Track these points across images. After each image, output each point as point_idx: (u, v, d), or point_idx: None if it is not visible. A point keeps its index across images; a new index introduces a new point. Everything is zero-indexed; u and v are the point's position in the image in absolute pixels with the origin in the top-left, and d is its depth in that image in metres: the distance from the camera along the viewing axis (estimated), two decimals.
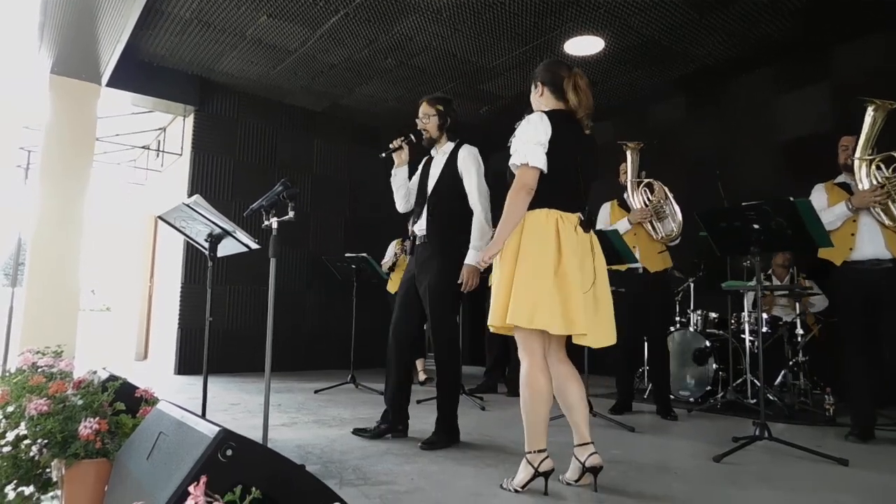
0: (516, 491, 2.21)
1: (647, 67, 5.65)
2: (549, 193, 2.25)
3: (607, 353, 4.02)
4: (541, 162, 2.22)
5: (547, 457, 2.22)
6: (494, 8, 4.66)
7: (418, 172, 3.30)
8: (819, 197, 3.49)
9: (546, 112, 2.32)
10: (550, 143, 2.25)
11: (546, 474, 2.21)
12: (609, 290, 2.33)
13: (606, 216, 4.20)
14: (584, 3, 4.55)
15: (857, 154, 3.28)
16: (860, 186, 3.28)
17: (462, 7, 4.66)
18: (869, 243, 3.27)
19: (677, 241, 4.00)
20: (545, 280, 2.14)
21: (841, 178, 3.53)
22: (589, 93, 2.33)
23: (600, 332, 2.24)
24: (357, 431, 3.23)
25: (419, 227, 3.13)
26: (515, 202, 2.22)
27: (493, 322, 2.26)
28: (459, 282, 2.97)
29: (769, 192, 3.85)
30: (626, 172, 4.13)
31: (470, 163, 3.06)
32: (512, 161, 2.28)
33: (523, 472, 2.24)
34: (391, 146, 3.19)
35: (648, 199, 4.03)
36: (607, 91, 6.19)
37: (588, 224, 2.32)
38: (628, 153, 4.08)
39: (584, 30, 4.98)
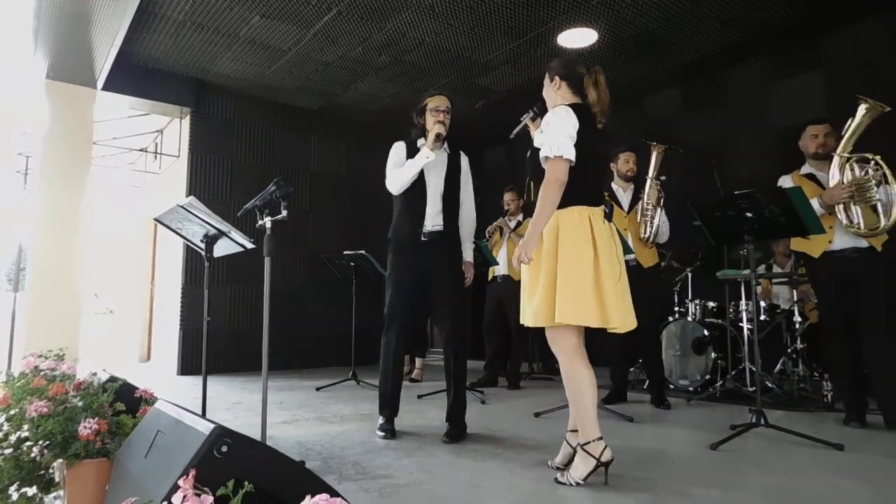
0: (578, 484, 2.17)
1: (641, 58, 5.64)
2: (577, 189, 2.26)
3: (604, 344, 4.06)
4: (572, 154, 2.24)
5: (606, 446, 2.20)
6: (487, 2, 4.65)
7: (410, 161, 3.07)
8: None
9: (570, 105, 2.35)
10: (577, 136, 2.26)
11: (607, 464, 2.18)
12: (626, 276, 2.37)
13: None
14: None
15: (839, 150, 3.26)
16: (833, 181, 3.27)
17: (455, 2, 4.66)
18: (847, 234, 3.27)
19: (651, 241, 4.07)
20: (587, 279, 2.19)
21: (806, 169, 3.51)
22: (607, 90, 2.39)
23: (627, 317, 2.29)
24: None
25: (432, 222, 3.07)
26: (548, 195, 2.24)
27: (539, 322, 2.26)
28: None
29: (766, 181, 3.84)
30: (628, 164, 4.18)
31: (469, 170, 3.25)
32: (543, 153, 2.28)
33: (584, 464, 2.19)
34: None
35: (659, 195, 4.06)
36: None
37: (610, 215, 2.38)
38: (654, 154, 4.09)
39: (578, 22, 4.97)
